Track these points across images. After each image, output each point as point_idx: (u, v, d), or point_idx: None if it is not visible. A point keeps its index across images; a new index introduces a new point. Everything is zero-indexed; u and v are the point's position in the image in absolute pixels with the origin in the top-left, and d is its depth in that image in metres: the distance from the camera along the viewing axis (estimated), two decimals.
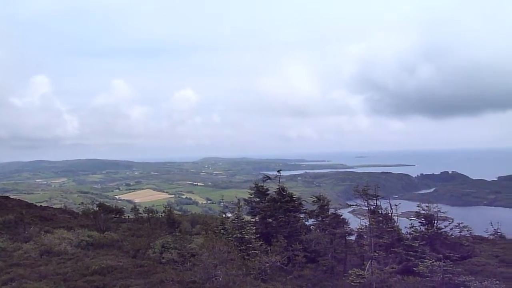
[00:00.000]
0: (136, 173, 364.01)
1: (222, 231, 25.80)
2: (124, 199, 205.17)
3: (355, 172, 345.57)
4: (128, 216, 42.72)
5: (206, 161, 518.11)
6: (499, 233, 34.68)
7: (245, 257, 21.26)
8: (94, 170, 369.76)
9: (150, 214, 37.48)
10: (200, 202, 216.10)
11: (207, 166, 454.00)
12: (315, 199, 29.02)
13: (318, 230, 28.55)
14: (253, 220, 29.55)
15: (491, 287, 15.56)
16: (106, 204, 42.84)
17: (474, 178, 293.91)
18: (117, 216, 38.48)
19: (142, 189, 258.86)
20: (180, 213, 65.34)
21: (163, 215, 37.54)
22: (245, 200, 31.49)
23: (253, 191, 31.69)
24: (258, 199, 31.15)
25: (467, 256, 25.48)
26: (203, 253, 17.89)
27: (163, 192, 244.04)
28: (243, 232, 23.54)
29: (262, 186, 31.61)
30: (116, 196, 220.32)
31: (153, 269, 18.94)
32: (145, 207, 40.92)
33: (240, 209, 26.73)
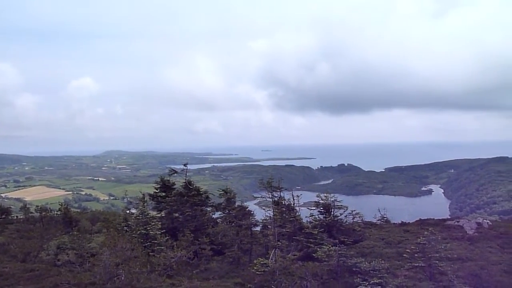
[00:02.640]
0: (26, 168, 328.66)
1: (125, 228, 24.73)
2: (12, 198, 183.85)
3: (261, 165, 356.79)
4: (17, 216, 38.68)
5: (109, 154, 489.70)
6: (385, 218, 38.84)
7: (150, 253, 20.66)
8: None
9: (43, 213, 34.28)
10: (101, 199, 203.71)
11: (109, 160, 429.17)
12: (222, 192, 29.33)
13: (225, 223, 28.94)
14: (159, 215, 28.80)
15: (377, 266, 17.34)
16: None
17: (366, 170, 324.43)
18: (3, 216, 34.55)
19: (35, 185, 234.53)
20: (78, 210, 60.87)
21: (58, 213, 34.76)
22: (150, 195, 30.51)
23: (158, 186, 30.83)
24: (164, 194, 30.40)
25: (359, 240, 28.08)
26: (104, 252, 16.91)
27: (59, 188, 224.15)
28: (148, 228, 22.82)
29: (168, 180, 30.90)
30: (2, 194, 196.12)
31: (46, 272, 17.37)
32: (38, 206, 37.32)
33: (145, 204, 25.87)
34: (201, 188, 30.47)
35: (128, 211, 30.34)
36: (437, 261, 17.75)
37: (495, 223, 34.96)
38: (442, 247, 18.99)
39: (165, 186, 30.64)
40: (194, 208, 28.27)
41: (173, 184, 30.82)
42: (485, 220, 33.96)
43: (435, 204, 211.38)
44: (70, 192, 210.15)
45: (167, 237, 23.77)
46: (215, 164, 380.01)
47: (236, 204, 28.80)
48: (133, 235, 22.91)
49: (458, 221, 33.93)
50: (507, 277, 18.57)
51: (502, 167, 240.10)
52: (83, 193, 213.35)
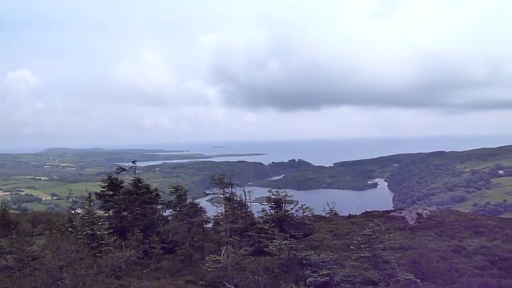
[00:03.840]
0: None
1: (70, 229, 23.61)
2: None
3: (213, 161, 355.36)
4: None
5: (52, 152, 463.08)
6: (334, 212, 40.20)
7: (97, 254, 19.88)
8: None
9: None
10: (44, 199, 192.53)
11: (52, 158, 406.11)
12: (173, 189, 28.83)
13: (176, 220, 28.49)
14: (107, 214, 27.79)
15: (326, 258, 17.92)
16: None
17: (315, 165, 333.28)
18: None
19: None
20: (18, 212, 57.07)
21: None
22: (97, 194, 29.32)
23: (106, 184, 29.70)
24: (111, 192, 29.33)
25: (309, 233, 28.85)
26: (46, 255, 16.03)
27: None
28: (95, 228, 21.94)
29: (116, 178, 29.86)
30: None
31: None
32: None
33: (91, 203, 24.82)
34: (151, 186, 29.74)
35: (73, 211, 28.94)
36: (381, 251, 18.66)
37: (433, 213, 37.35)
38: (386, 237, 20.01)
39: (113, 184, 29.58)
40: (143, 206, 27.55)
41: (121, 182, 29.83)
42: (424, 211, 36.18)
43: (380, 196, 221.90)
44: (8, 193, 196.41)
45: (116, 237, 22.99)
46: (166, 161, 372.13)
47: (188, 201, 28.44)
48: (79, 236, 21.94)
49: (400, 212, 35.88)
50: (443, 263, 19.94)
51: (439, 161, 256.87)
52: (23, 193, 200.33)
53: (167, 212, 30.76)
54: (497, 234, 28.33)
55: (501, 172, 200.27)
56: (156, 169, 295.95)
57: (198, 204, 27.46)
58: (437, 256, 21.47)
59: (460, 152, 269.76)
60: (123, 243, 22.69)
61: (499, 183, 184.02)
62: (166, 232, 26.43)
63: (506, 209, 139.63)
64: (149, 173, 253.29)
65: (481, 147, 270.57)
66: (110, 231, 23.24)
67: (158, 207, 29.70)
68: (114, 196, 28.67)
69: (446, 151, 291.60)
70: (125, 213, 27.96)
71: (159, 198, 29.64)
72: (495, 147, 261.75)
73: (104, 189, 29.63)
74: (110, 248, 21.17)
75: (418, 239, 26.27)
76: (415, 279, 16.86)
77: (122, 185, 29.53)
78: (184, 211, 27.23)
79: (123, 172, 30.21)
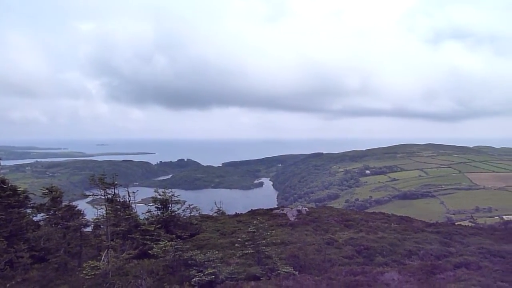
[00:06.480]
0: None
1: None
2: None
3: (95, 160, 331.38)
4: None
5: None
6: (221, 211, 40.87)
7: None
8: None
9: None
10: None
11: None
12: (46, 191, 26.05)
13: (49, 225, 25.81)
14: None
15: (211, 257, 18.14)
16: None
17: (204, 165, 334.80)
18: None
19: None
20: None
21: None
22: None
23: None
24: None
25: (195, 233, 28.81)
26: None
27: None
28: None
29: None
30: None
31: None
32: None
33: None
34: (19, 187, 26.40)
35: None
36: (264, 247, 19.58)
37: (311, 209, 40.64)
38: (269, 233, 21.07)
39: None
40: (8, 210, 24.26)
41: None
42: (304, 208, 39.10)
43: (265, 195, 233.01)
44: None
45: None
46: (39, 160, 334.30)
47: (64, 203, 25.97)
48: None
49: (282, 210, 38.18)
50: (318, 255, 21.82)
51: (318, 161, 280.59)
52: None
53: (39, 217, 27.66)
54: (362, 226, 32.08)
55: (368, 172, 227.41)
56: (27, 168, 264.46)
57: (76, 207, 25.27)
58: (313, 249, 23.39)
59: (335, 154, 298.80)
60: None
61: (366, 181, 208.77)
62: (37, 239, 23.74)
63: (371, 204, 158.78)
64: (17, 173, 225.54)
65: (352, 150, 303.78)
66: None
67: (27, 211, 26.51)
68: None
69: (324, 152, 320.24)
70: None
71: (29, 201, 26.46)
72: (364, 149, 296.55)
73: None
74: None
75: (297, 234, 28.25)
76: (294, 272, 18.10)
77: None
78: (59, 215, 24.80)
79: None
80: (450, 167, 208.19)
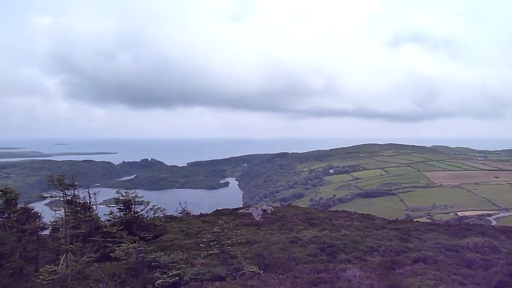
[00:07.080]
0: None
1: None
2: None
3: (53, 160, 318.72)
4: None
5: None
6: (186, 211, 40.42)
7: None
8: None
9: None
10: None
11: None
12: (0, 193, 24.75)
13: (3, 229, 24.55)
14: None
15: (175, 258, 17.92)
16: None
17: (169, 165, 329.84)
18: None
19: None
20: None
21: None
22: None
23: None
24: None
25: (159, 234, 28.32)
26: None
27: None
28: None
29: None
30: None
31: None
32: None
33: None
34: None
35: None
36: (229, 247, 19.56)
37: (276, 208, 40.97)
38: (234, 233, 21.07)
39: None
40: None
41: None
42: (269, 207, 39.37)
43: (231, 195, 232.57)
44: None
45: None
46: None
47: (19, 205, 24.78)
48: None
49: (248, 209, 38.26)
50: (283, 254, 22.05)
51: (283, 161, 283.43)
52: None
53: None
54: (326, 224, 32.73)
55: (331, 171, 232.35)
56: None
57: (32, 209, 24.17)
58: (278, 248, 23.61)
59: (300, 153, 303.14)
60: None
61: (330, 180, 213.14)
62: None
63: (335, 202, 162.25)
64: None
65: (317, 149, 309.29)
66: None
67: None
68: None
69: (289, 152, 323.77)
70: None
71: None
72: (328, 149, 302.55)
73: None
74: None
75: (262, 233, 28.41)
76: (259, 271, 18.19)
77: None
78: (14, 218, 23.63)
79: None
80: (409, 166, 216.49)
